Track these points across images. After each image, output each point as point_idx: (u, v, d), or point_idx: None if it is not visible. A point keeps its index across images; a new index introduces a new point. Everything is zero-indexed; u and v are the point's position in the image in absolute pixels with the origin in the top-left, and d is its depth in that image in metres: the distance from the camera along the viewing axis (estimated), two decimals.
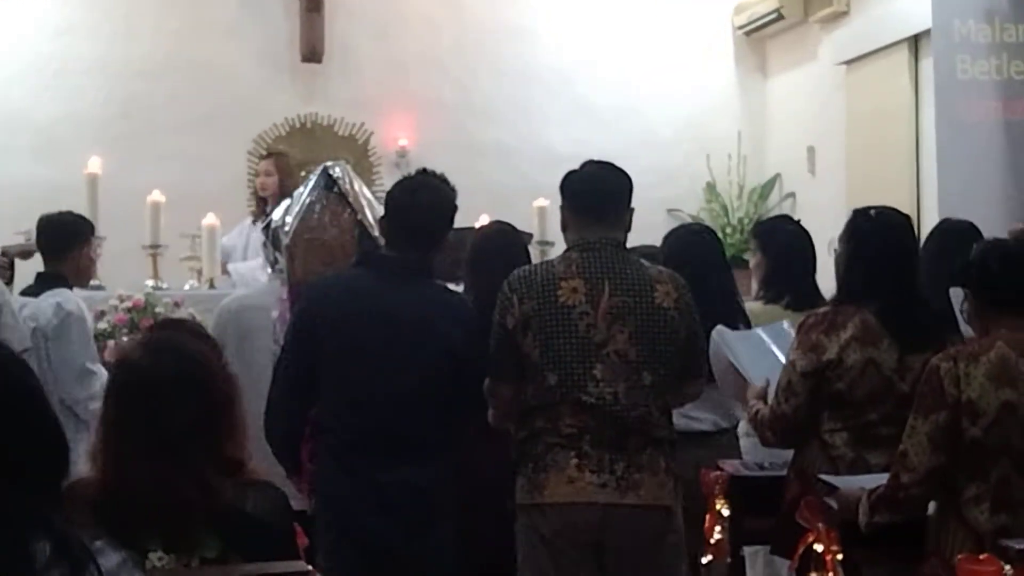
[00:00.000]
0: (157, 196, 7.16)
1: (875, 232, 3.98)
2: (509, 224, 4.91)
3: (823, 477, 3.79)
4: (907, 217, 4.10)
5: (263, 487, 2.67)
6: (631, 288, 3.91)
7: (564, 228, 4.05)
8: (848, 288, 3.97)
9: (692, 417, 4.74)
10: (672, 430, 3.99)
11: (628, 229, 4.04)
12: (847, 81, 8.36)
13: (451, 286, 4.43)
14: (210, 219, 7.23)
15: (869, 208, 4.06)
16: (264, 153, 8.25)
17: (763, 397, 4.20)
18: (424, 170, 4.15)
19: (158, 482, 2.54)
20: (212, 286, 7.08)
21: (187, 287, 7.17)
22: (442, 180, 4.11)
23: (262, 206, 7.46)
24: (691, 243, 4.96)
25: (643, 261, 4.06)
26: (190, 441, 2.57)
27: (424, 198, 4.04)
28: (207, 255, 7.15)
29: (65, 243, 5.67)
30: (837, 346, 3.88)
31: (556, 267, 3.94)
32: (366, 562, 3.95)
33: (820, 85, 8.75)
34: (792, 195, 9.16)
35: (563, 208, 4.05)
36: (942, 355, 3.41)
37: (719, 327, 4.61)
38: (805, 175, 8.97)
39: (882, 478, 3.48)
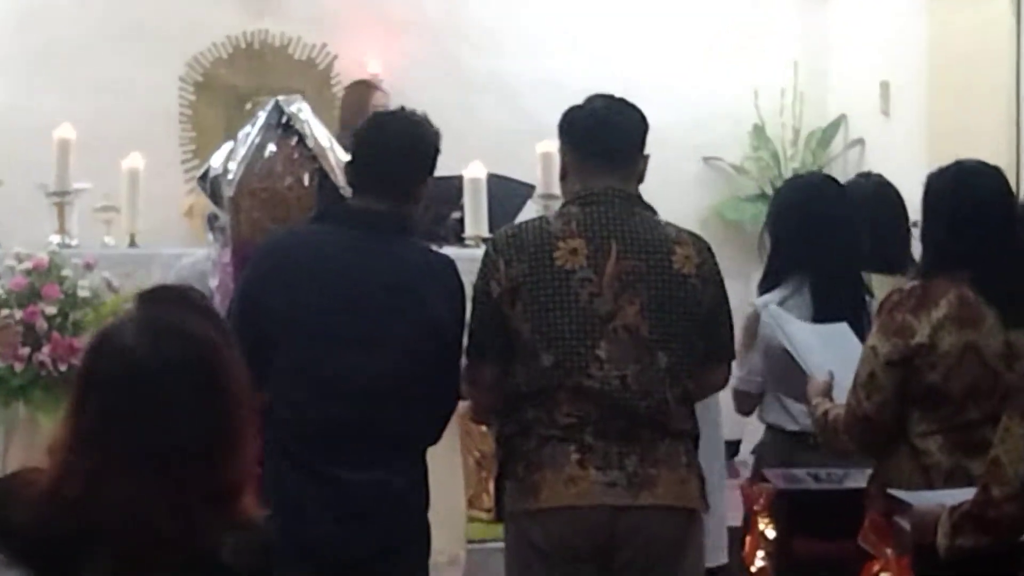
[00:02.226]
0: (66, 131, 7.15)
1: (953, 187, 4.06)
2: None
3: (893, 492, 3.81)
4: (995, 168, 4.15)
5: (247, 530, 2.62)
6: (643, 249, 3.98)
7: (563, 176, 4.15)
8: (934, 257, 4.01)
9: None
10: (695, 424, 4.04)
11: (641, 179, 4.14)
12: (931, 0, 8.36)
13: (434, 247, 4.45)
14: (133, 160, 7.23)
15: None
16: (191, 78, 8.23)
17: (827, 394, 4.22)
18: (402, 108, 4.21)
19: (127, 508, 2.47)
20: (133, 243, 7.08)
21: (102, 245, 7.17)
22: (423, 119, 4.17)
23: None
24: (808, 196, 4.99)
25: (660, 218, 4.09)
26: (189, 459, 2.50)
27: (398, 137, 4.10)
28: (128, 204, 7.15)
29: None
30: (928, 327, 3.91)
31: (552, 224, 4.05)
32: None
33: (897, 4, 8.74)
34: (860, 141, 9.18)
35: (562, 152, 4.15)
36: None
37: (772, 307, 4.63)
38: (877, 116, 8.99)
39: (969, 493, 3.49)
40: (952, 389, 3.93)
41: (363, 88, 7.90)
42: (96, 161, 7.28)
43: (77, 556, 2.48)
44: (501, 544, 4.35)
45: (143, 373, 2.53)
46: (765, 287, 4.94)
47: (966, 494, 3.49)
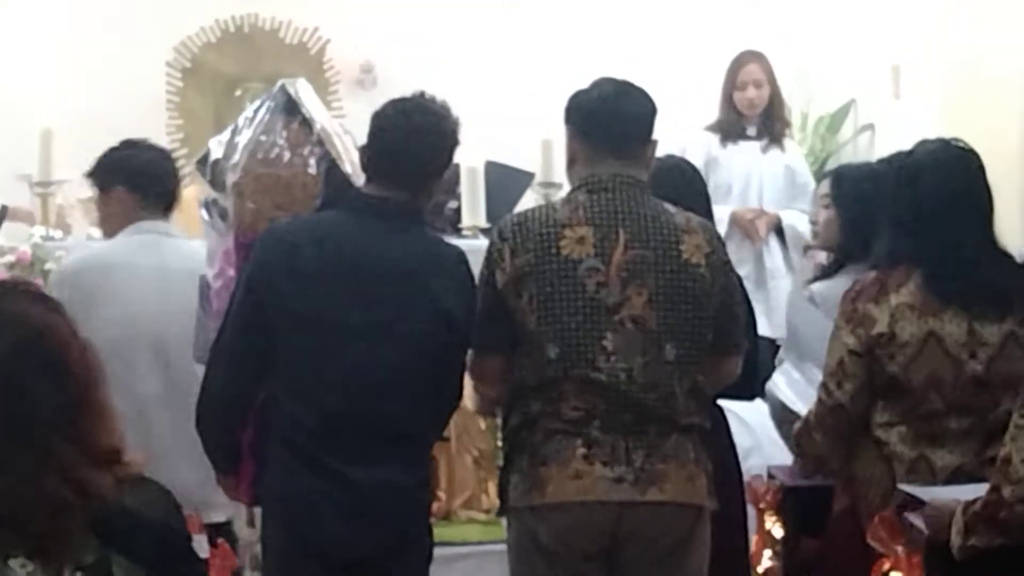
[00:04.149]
0: (49, 120, 7.19)
1: (915, 169, 4.08)
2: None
3: (904, 488, 3.86)
4: (967, 150, 4.14)
5: (144, 484, 2.74)
6: (652, 238, 4.02)
7: (570, 163, 4.16)
8: (892, 246, 4.05)
9: None
10: (705, 417, 4.08)
11: (649, 166, 4.17)
12: None
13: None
14: None
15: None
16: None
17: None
18: (423, 94, 4.21)
19: (21, 487, 2.59)
20: None
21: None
22: (445, 108, 4.18)
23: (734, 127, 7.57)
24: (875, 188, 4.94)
25: (668, 206, 4.15)
26: (55, 431, 2.62)
27: (421, 123, 4.13)
28: None
29: None
30: (888, 315, 3.96)
31: (558, 211, 4.07)
32: None
33: None
34: (870, 127, 9.17)
35: (569, 138, 4.16)
36: None
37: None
38: (888, 101, 8.98)
39: (983, 489, 3.50)
40: (913, 380, 3.98)
41: (741, 56, 7.95)
42: (80, 150, 7.30)
43: None
44: (499, 546, 4.39)
45: None
46: (824, 274, 4.93)
47: (981, 490, 3.51)
